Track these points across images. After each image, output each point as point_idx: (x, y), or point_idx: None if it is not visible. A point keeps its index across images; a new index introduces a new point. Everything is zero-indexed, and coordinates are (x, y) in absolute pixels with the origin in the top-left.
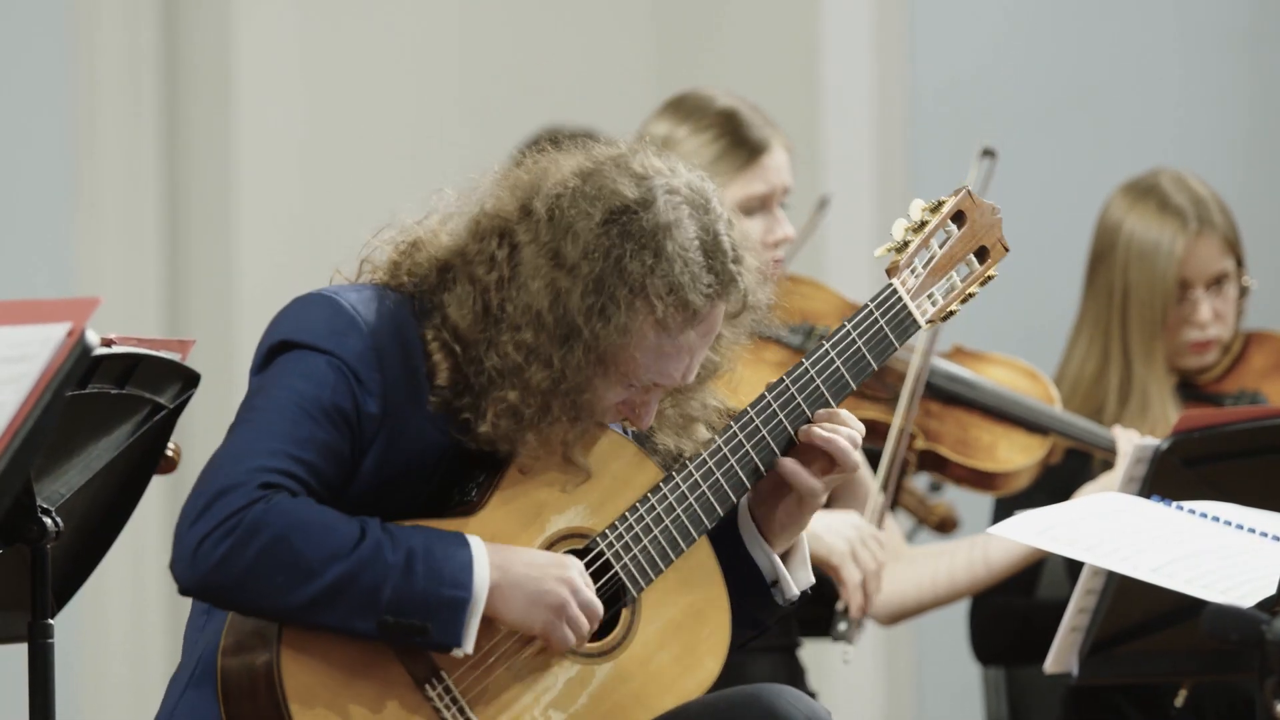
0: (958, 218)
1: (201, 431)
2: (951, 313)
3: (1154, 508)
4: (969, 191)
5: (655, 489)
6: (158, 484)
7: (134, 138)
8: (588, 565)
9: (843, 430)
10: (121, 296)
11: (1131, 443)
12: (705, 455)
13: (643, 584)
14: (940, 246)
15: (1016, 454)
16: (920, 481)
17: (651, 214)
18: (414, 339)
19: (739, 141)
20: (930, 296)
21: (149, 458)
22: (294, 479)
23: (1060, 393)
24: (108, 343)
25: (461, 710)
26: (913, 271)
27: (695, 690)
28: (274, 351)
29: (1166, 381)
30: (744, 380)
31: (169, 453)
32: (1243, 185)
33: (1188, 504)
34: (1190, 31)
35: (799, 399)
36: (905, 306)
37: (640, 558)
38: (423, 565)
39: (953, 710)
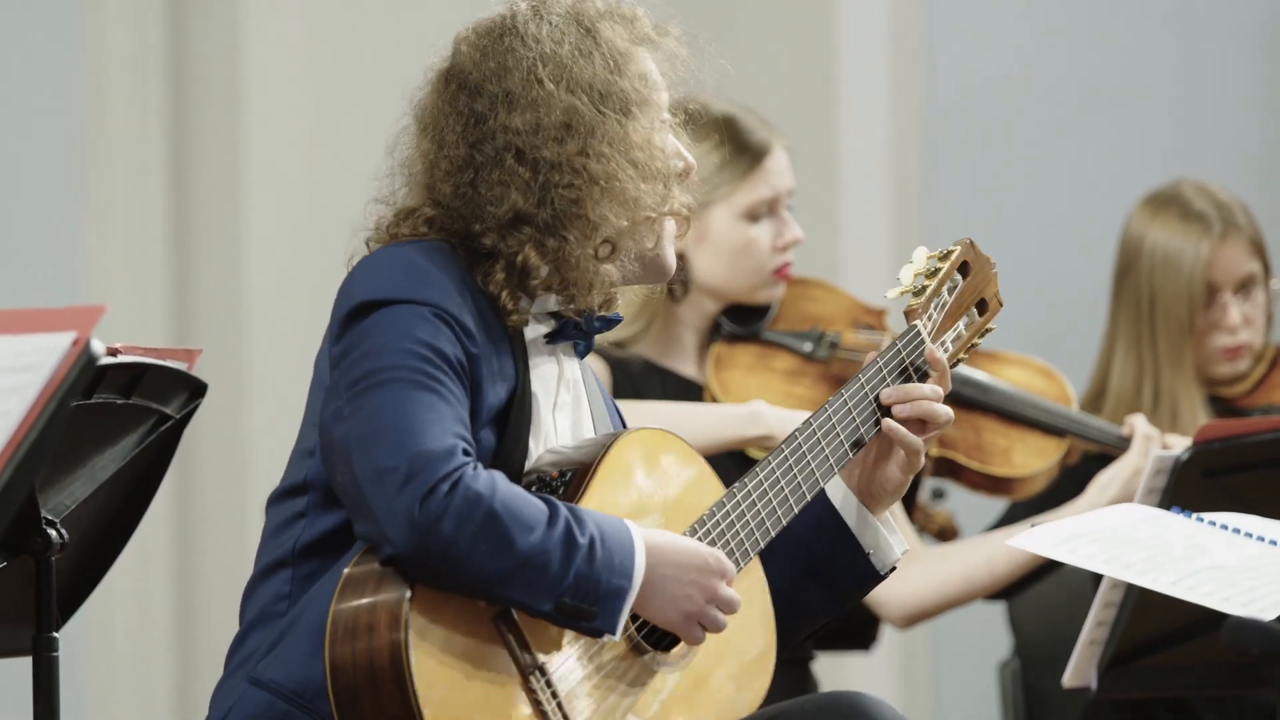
0: (963, 268)
1: (209, 441)
2: (959, 360)
3: (1174, 519)
4: (972, 242)
5: (721, 503)
6: (164, 494)
7: (141, 145)
8: None
9: (918, 398)
10: (128, 304)
11: (1146, 429)
12: (773, 464)
13: None
14: (950, 294)
15: (1033, 458)
16: (923, 491)
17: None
18: (470, 281)
19: (740, 148)
20: (943, 344)
21: (155, 469)
22: (469, 442)
23: (1106, 410)
24: (113, 352)
25: (560, 705)
26: (929, 316)
27: (745, 710)
28: (358, 313)
29: (1195, 389)
30: (750, 387)
31: None
32: (1262, 191)
33: (1208, 515)
34: (1208, 37)
35: (839, 429)
36: (926, 349)
37: None
38: (601, 549)
39: (969, 718)
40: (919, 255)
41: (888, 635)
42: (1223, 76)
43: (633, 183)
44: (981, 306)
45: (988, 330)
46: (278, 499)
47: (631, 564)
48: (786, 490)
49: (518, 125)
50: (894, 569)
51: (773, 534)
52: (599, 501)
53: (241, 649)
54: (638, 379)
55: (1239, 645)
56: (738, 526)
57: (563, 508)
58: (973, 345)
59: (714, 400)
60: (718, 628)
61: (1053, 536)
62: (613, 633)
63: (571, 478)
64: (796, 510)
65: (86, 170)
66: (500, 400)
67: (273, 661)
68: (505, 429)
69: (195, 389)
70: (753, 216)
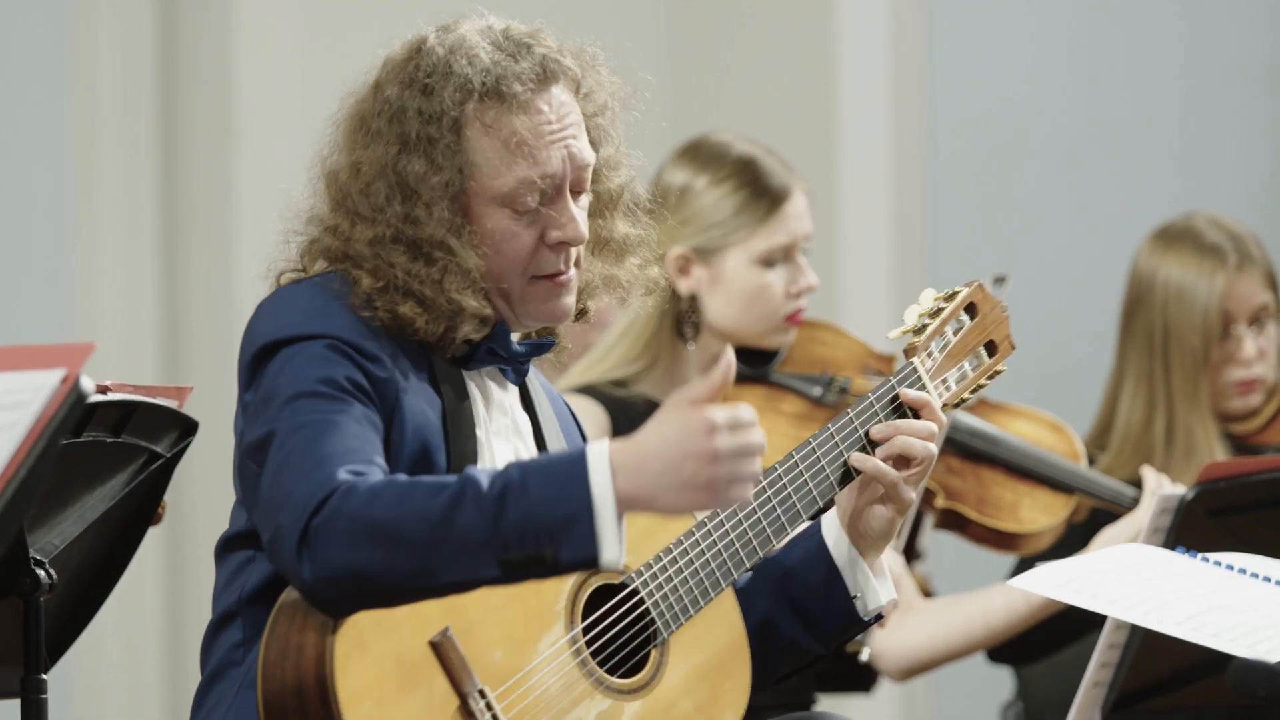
0: (970, 309)
1: (201, 480)
2: (963, 400)
3: (1179, 560)
4: (981, 285)
5: (690, 532)
6: (154, 535)
7: (132, 179)
8: (621, 602)
9: (900, 432)
10: (118, 341)
11: (1159, 483)
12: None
13: (674, 626)
14: (954, 334)
15: (1039, 514)
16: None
17: (426, 52)
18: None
19: (760, 191)
20: (944, 381)
21: (145, 508)
22: (363, 460)
23: (1111, 447)
24: (103, 389)
25: None
26: (929, 354)
27: None
28: (261, 357)
29: (1212, 423)
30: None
31: None
32: (1267, 223)
33: (1213, 556)
34: (1213, 70)
35: (824, 463)
36: (925, 387)
37: (673, 599)
38: (535, 485)
39: None
40: (925, 296)
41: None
42: (1228, 108)
43: (450, 261)
44: (991, 348)
45: (997, 372)
46: (227, 548)
47: (583, 486)
48: (764, 522)
49: (356, 162)
50: (879, 617)
51: (746, 564)
52: None
53: (205, 702)
54: (639, 420)
55: (1244, 687)
56: (707, 556)
57: (473, 471)
58: (979, 386)
59: None
60: (752, 476)
61: (1056, 577)
62: (596, 553)
63: None
64: (775, 542)
65: (77, 206)
66: (430, 418)
67: (228, 713)
68: (447, 443)
69: (186, 427)
70: (768, 262)
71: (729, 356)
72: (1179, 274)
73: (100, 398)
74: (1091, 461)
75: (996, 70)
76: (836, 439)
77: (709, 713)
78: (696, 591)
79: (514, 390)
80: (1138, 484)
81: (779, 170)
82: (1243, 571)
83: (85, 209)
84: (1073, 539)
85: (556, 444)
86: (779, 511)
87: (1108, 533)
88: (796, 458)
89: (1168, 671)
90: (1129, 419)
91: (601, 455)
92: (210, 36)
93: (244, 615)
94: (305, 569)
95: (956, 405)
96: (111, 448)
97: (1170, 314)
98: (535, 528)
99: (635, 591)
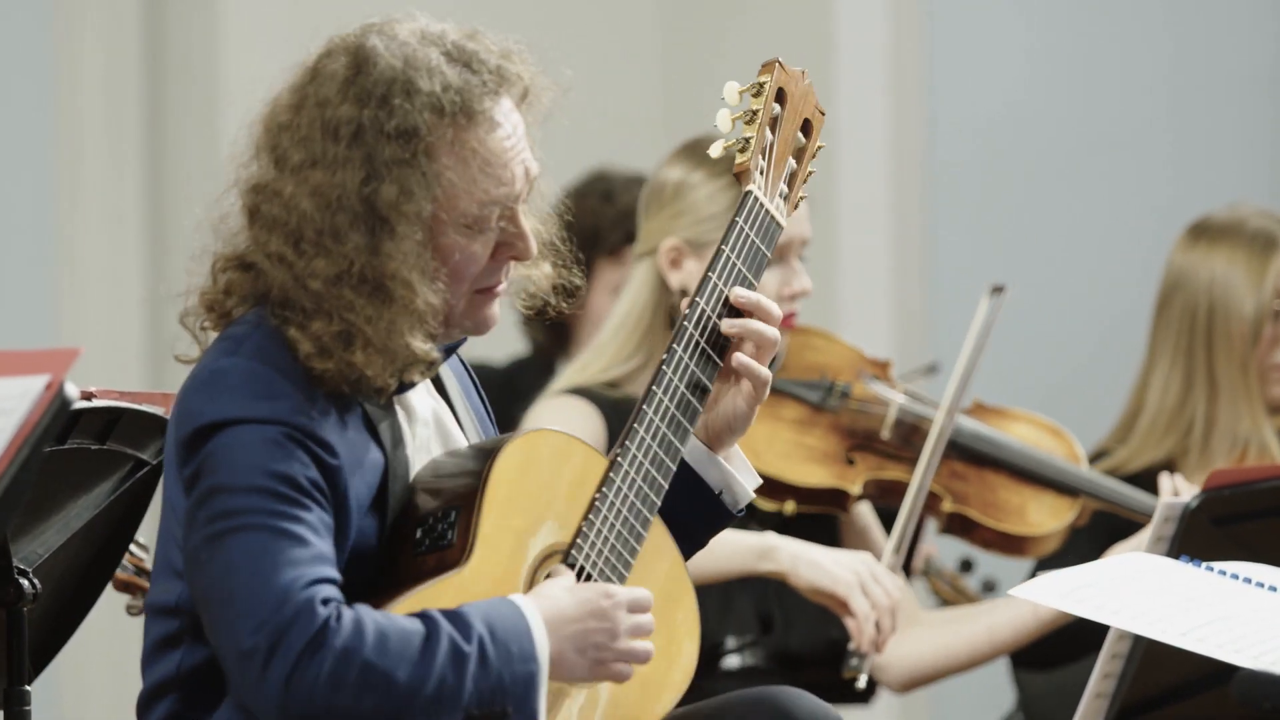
0: (779, 96)
1: None
2: (801, 198)
3: (1183, 569)
4: (778, 62)
5: (604, 481)
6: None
7: (118, 186)
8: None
9: (752, 323)
10: (104, 347)
11: (1173, 488)
12: (640, 428)
13: (621, 583)
14: (773, 132)
15: (1046, 516)
16: (951, 562)
17: (376, 64)
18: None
19: None
20: (781, 193)
21: (131, 516)
22: (332, 583)
23: (1138, 431)
24: (88, 396)
25: None
26: (761, 171)
27: (683, 680)
28: (202, 436)
29: (1260, 402)
30: (756, 436)
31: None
32: None
33: (1218, 565)
34: (1211, 78)
35: (700, 340)
36: (768, 212)
37: (611, 557)
38: (493, 648)
39: None
40: (730, 91)
41: (888, 689)
42: (1227, 116)
43: (360, 299)
44: (806, 127)
45: (820, 148)
46: (155, 611)
47: (532, 645)
48: (661, 452)
49: (315, 186)
50: (750, 507)
51: (664, 484)
52: (494, 539)
53: None
54: None
55: (1249, 699)
56: (630, 496)
57: (442, 620)
58: (809, 174)
59: None
60: (639, 659)
61: (1059, 587)
62: (537, 718)
63: (455, 515)
64: (683, 446)
65: (61, 210)
66: (374, 485)
67: None
68: (386, 507)
69: None
70: None
71: None
72: (1226, 260)
73: (85, 404)
74: (1106, 455)
75: (995, 77)
76: (704, 317)
77: (669, 653)
78: (630, 538)
79: (425, 391)
80: (1154, 478)
81: None
82: (1248, 581)
83: (69, 213)
84: (1078, 545)
85: (469, 424)
86: (671, 435)
87: (1119, 549)
88: (678, 362)
89: (1172, 683)
90: (1161, 400)
91: (539, 619)
92: (197, 39)
93: (180, 692)
94: (277, 698)
95: (795, 208)
96: (96, 455)
97: (1216, 292)
98: (498, 687)
99: (581, 568)
